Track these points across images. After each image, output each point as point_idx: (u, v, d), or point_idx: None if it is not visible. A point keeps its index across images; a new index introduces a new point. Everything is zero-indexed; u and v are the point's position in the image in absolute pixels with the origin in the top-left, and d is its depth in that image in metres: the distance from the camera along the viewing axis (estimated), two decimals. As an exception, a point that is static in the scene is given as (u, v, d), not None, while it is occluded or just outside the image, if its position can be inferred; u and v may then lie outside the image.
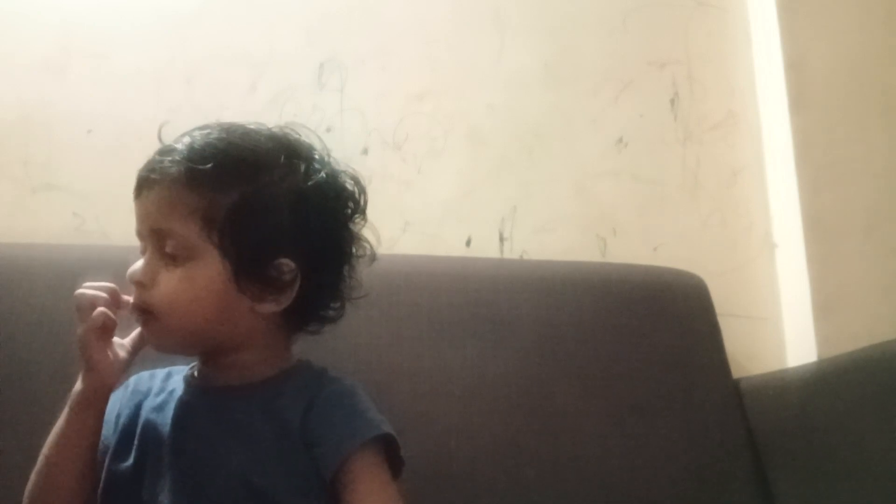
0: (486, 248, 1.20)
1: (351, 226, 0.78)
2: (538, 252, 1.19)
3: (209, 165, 0.70)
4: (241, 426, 0.72)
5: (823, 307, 1.14)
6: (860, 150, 1.19)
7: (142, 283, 0.70)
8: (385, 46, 1.25)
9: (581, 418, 0.98)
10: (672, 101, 1.28)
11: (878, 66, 1.23)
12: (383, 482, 0.71)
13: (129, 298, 0.72)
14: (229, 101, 1.17)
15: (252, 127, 0.76)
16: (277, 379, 0.75)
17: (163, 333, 0.71)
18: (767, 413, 1.03)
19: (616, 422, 0.99)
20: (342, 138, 1.18)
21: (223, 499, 0.69)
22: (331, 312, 0.79)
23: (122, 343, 0.73)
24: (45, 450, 0.71)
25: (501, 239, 1.21)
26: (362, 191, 0.79)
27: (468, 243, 1.20)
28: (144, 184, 0.72)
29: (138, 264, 0.71)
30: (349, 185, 0.78)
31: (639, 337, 1.04)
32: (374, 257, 0.80)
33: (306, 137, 0.78)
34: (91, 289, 0.70)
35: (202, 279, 0.70)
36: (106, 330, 0.69)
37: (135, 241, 0.74)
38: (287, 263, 0.72)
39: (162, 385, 0.78)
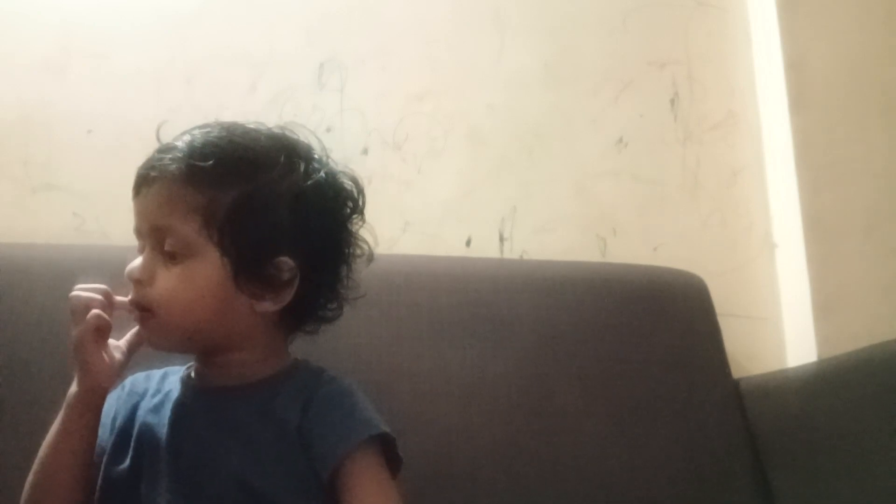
0: (486, 248, 1.20)
1: (349, 226, 0.78)
2: (538, 252, 1.19)
3: (210, 163, 0.70)
4: (238, 427, 0.72)
5: (823, 307, 1.14)
6: (860, 150, 1.19)
7: (140, 281, 0.70)
8: (385, 46, 1.25)
9: (581, 418, 0.98)
10: (672, 101, 1.28)
11: (878, 66, 1.23)
12: (381, 481, 0.71)
13: (123, 299, 0.71)
14: (229, 101, 1.17)
15: (252, 126, 0.76)
16: (275, 379, 0.75)
17: (161, 331, 0.71)
18: (767, 413, 1.03)
19: (616, 422, 0.99)
20: (342, 138, 1.19)
21: (221, 500, 0.69)
22: (328, 312, 0.79)
23: (118, 345, 0.73)
24: (41, 452, 0.71)
25: (501, 239, 1.21)
26: (360, 191, 0.79)
27: (468, 243, 1.20)
28: (144, 181, 0.72)
29: (137, 262, 0.71)
30: (348, 185, 0.78)
31: (639, 337, 1.04)
32: (371, 257, 0.80)
33: (305, 138, 0.78)
34: (85, 290, 0.70)
35: (201, 277, 0.70)
36: (101, 332, 0.69)
37: (135, 241, 0.73)
38: (286, 262, 0.72)
39: (158, 386, 0.78)
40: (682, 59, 1.29)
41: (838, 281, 1.15)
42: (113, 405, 0.76)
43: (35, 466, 0.71)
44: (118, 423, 0.75)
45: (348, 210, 0.78)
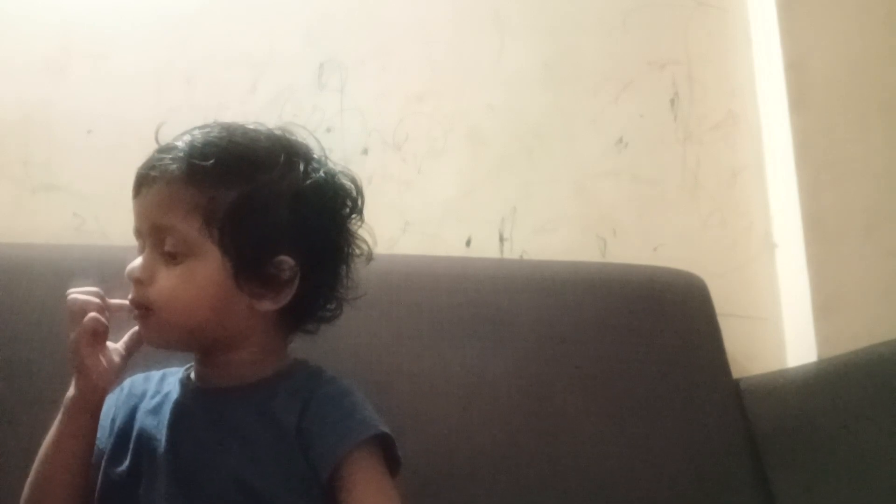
0: (486, 249, 1.19)
1: (348, 225, 0.78)
2: (538, 252, 1.19)
3: (210, 162, 0.70)
4: (237, 428, 0.72)
5: (823, 307, 1.14)
6: (860, 150, 1.19)
7: (140, 281, 0.70)
8: (385, 47, 1.25)
9: (581, 418, 0.98)
10: (672, 101, 1.28)
11: (878, 66, 1.23)
12: (380, 481, 0.71)
13: (120, 301, 0.72)
14: (229, 102, 1.17)
15: (252, 126, 0.76)
16: (273, 379, 0.75)
17: (160, 329, 0.71)
18: (767, 413, 1.03)
19: (616, 422, 0.99)
20: (342, 138, 1.19)
21: (220, 500, 0.69)
22: (328, 312, 0.79)
23: (116, 347, 0.73)
24: (40, 453, 0.71)
25: (501, 239, 1.21)
26: (360, 191, 0.79)
27: (468, 243, 1.20)
28: (144, 181, 0.72)
29: (137, 262, 0.71)
30: (347, 184, 0.78)
31: (639, 337, 1.04)
32: (370, 257, 0.80)
33: (304, 139, 0.78)
34: (81, 293, 0.70)
35: (202, 276, 0.70)
36: (98, 335, 0.69)
37: (135, 242, 0.73)
38: (287, 261, 0.72)
39: (157, 388, 0.78)
40: (682, 59, 1.29)
41: (838, 281, 1.15)
42: (112, 407, 0.76)
43: (34, 467, 0.71)
44: (117, 424, 0.75)
45: (347, 209, 0.78)
